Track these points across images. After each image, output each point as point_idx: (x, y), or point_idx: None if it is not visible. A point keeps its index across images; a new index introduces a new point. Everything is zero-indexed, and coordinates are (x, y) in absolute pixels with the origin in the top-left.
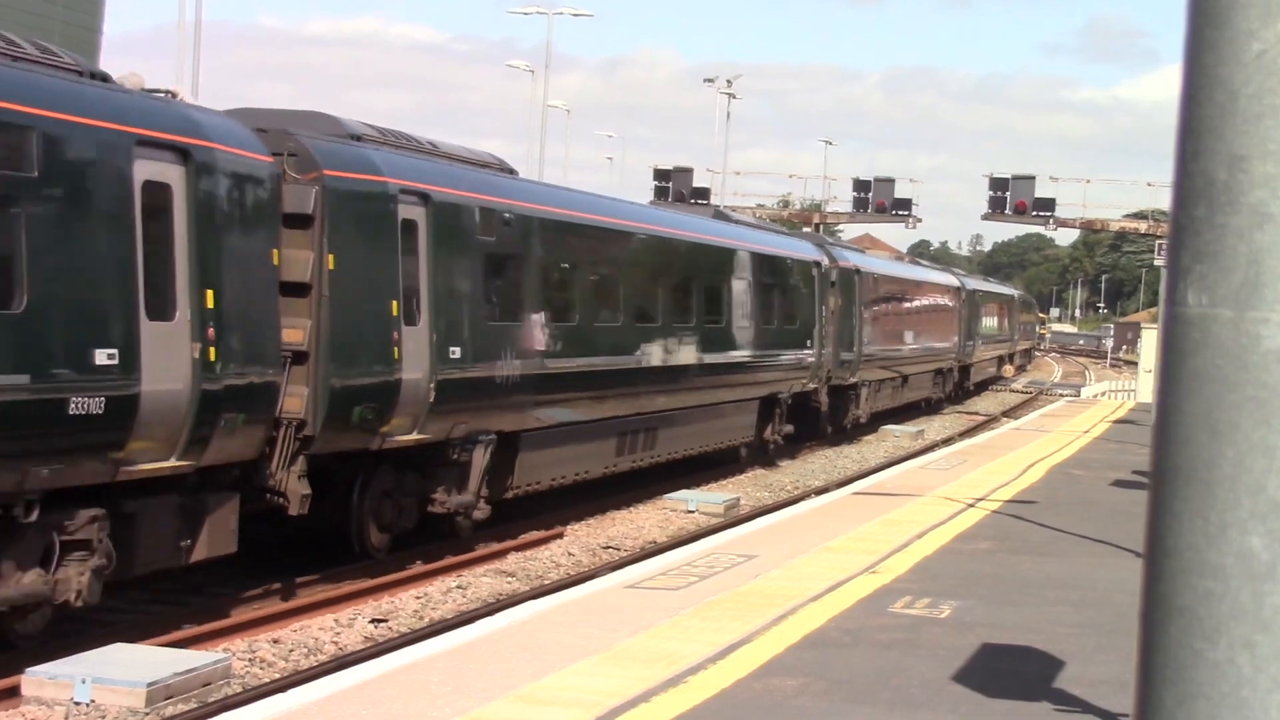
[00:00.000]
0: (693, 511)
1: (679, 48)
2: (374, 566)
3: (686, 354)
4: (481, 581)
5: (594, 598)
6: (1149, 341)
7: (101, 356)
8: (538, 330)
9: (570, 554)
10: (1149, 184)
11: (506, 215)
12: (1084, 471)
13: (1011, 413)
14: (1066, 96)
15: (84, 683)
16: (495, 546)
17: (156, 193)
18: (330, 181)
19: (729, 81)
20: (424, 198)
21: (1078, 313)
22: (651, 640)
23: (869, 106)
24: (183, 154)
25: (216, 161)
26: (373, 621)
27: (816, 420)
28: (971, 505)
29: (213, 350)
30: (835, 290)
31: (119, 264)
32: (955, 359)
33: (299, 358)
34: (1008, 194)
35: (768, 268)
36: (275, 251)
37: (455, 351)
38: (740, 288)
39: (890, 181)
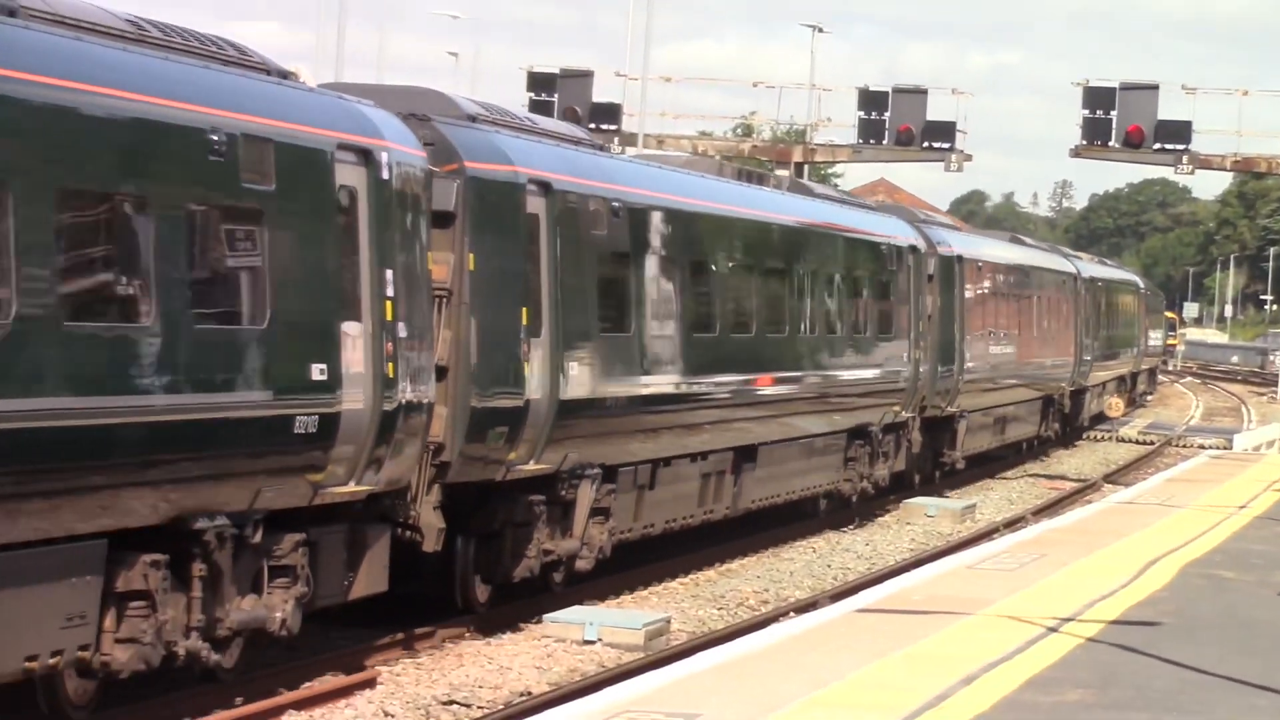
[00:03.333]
0: (592, 642)
1: None
2: None
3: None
4: None
5: None
6: None
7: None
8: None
9: (387, 714)
10: None
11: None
12: (1238, 574)
13: (1118, 476)
14: None
15: None
16: (264, 703)
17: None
18: None
19: None
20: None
21: (1229, 310)
22: None
23: None
24: (913, 250)
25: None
26: None
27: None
28: (1053, 630)
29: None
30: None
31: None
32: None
33: None
34: (1114, 115)
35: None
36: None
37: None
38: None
39: (921, 94)
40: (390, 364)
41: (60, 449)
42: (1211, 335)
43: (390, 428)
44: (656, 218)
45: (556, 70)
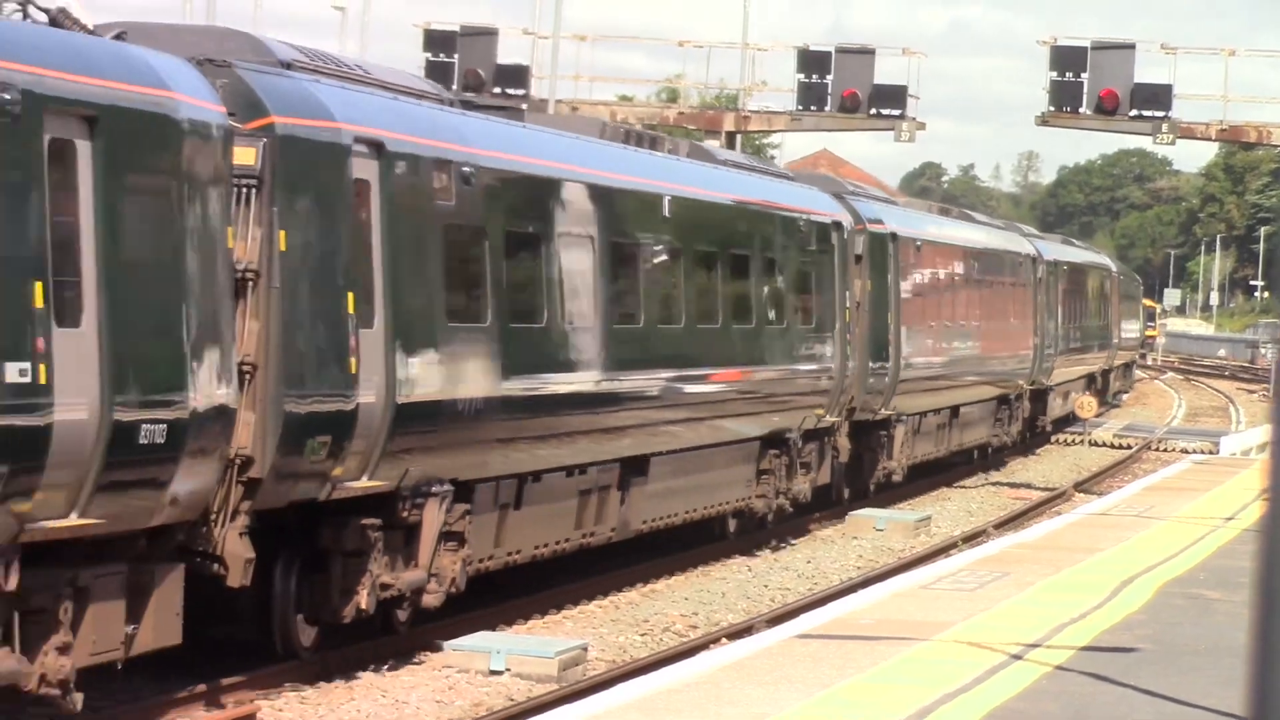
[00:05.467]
0: (500, 672)
1: None
2: None
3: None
4: None
5: None
6: None
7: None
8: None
9: None
10: None
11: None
12: (1224, 594)
13: (1090, 484)
14: None
15: None
16: None
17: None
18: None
19: None
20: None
21: (1214, 298)
22: None
23: None
24: (1033, 260)
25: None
26: None
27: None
28: (1017, 657)
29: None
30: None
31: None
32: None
33: None
34: (1085, 78)
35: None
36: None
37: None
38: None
39: (868, 55)
40: (846, 347)
41: (768, 390)
42: (1195, 325)
43: (843, 386)
44: (881, 244)
45: (456, 27)
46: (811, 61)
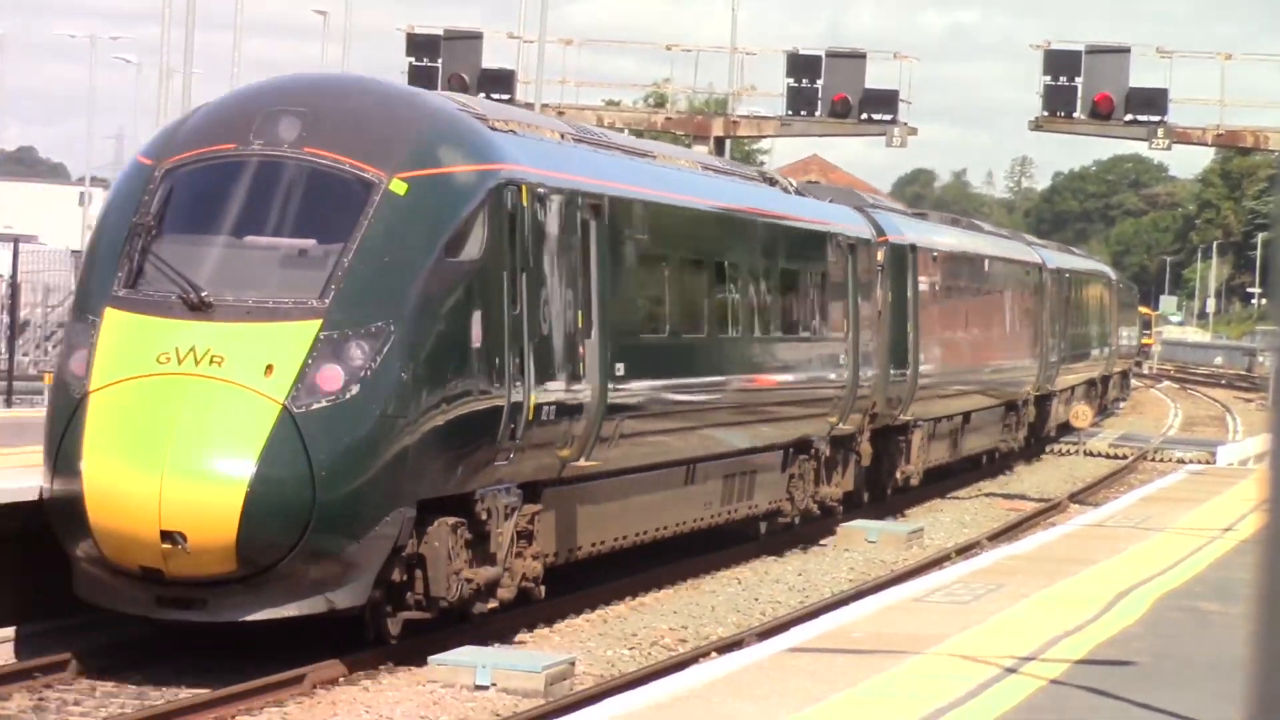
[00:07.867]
0: (485, 687)
1: None
2: None
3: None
4: None
5: None
6: None
7: None
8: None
9: None
10: None
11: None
12: (1222, 606)
13: (1085, 495)
14: None
15: None
16: None
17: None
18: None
19: None
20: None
21: (1210, 304)
22: None
23: None
24: (1109, 279)
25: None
26: None
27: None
28: (1012, 671)
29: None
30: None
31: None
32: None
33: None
34: (1079, 82)
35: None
36: None
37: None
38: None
39: (859, 59)
40: (1045, 350)
41: (1010, 377)
42: (1191, 333)
43: (1038, 372)
44: (1059, 278)
45: (440, 31)
46: (801, 66)
